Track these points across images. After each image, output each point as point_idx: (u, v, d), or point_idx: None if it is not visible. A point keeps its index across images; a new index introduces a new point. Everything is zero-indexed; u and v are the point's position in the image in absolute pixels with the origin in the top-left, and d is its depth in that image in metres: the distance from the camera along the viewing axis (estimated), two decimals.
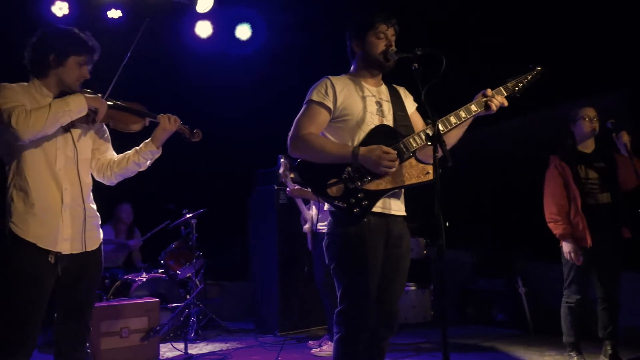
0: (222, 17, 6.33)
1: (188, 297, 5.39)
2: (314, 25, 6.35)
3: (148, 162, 2.79)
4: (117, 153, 2.83)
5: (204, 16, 6.16)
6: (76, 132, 2.61)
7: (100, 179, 2.79)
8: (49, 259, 2.44)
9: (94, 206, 2.70)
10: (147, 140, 2.76)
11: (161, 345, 4.62)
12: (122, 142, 2.87)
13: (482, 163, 5.87)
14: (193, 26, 6.24)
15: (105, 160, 2.76)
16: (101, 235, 2.71)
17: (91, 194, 2.70)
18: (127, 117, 2.69)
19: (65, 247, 2.50)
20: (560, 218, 3.82)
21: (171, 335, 5.18)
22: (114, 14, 5.80)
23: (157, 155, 2.80)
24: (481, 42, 5.52)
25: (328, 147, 2.50)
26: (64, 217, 2.50)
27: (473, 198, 6.26)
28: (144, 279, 5.22)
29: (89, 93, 2.60)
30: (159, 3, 5.85)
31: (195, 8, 5.97)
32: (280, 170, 4.67)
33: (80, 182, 2.57)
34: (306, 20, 6.40)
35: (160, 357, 4.49)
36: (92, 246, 2.61)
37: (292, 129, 2.58)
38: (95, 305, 4.28)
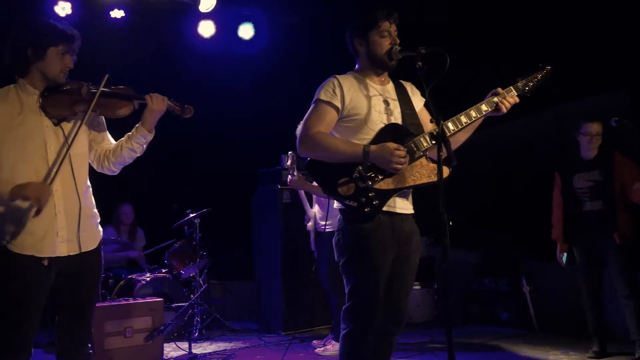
0: (225, 16, 6.33)
1: (192, 296, 5.39)
2: (317, 24, 6.34)
3: (143, 147, 2.63)
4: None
5: (206, 16, 6.16)
6: (67, 125, 2.49)
7: (101, 170, 2.67)
8: (43, 262, 2.37)
9: (93, 204, 2.59)
10: (137, 125, 2.60)
11: (165, 344, 4.62)
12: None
13: (486, 163, 5.85)
14: (196, 26, 6.24)
15: (102, 151, 2.63)
16: (100, 235, 2.60)
17: (90, 190, 2.59)
18: (114, 103, 2.54)
19: (62, 249, 2.42)
20: (554, 224, 4.32)
21: (175, 334, 5.18)
22: (117, 13, 5.80)
23: (149, 138, 2.62)
24: (482, 42, 5.49)
25: (338, 145, 2.48)
26: (59, 218, 2.41)
27: (477, 197, 6.23)
28: (148, 279, 5.22)
29: (74, 84, 2.49)
30: (162, 3, 5.85)
31: (198, 7, 5.96)
32: (288, 163, 4.63)
33: (74, 179, 2.45)
34: (309, 20, 6.39)
35: (164, 357, 4.49)
36: (88, 246, 2.51)
37: (301, 128, 2.56)
38: (99, 305, 4.30)
